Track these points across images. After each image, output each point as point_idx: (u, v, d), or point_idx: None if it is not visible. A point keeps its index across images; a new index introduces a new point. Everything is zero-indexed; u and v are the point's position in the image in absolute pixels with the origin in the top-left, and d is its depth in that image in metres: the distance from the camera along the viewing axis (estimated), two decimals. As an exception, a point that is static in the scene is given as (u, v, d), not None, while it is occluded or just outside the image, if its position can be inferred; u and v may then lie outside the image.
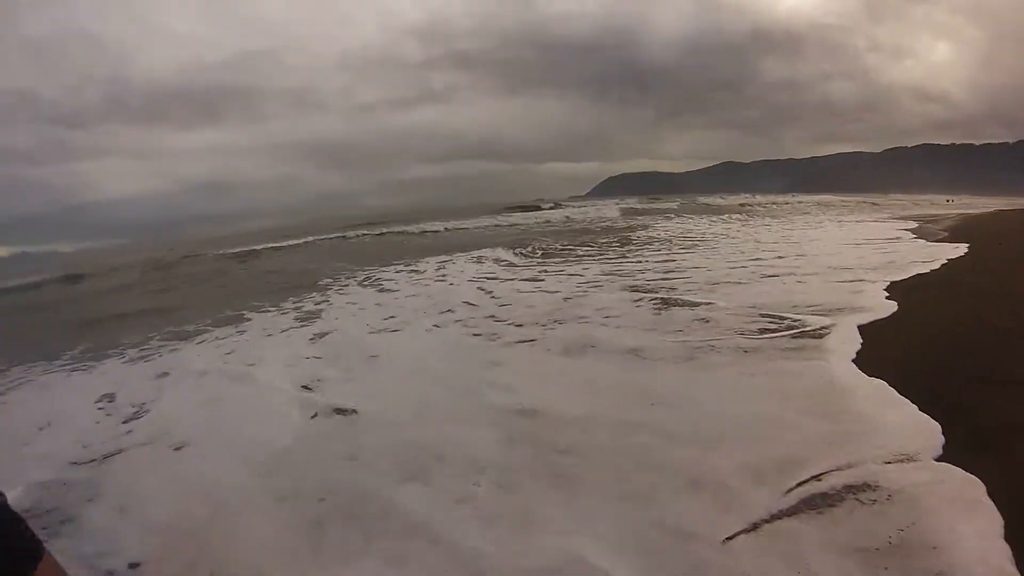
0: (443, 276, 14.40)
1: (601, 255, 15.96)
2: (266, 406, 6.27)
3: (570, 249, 18.20)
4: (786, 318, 7.38)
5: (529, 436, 4.85)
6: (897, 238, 17.00)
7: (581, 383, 6.02)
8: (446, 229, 31.70)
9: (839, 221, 25.78)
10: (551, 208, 46.45)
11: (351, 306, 11.36)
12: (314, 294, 13.21)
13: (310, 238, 32.63)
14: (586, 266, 14.03)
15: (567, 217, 37.79)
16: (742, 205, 40.91)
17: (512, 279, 12.76)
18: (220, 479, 4.50)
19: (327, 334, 9.13)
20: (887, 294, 8.47)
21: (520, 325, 8.47)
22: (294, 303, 12.45)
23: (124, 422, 6.28)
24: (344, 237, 31.29)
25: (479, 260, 16.76)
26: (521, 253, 17.93)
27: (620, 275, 12.13)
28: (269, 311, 11.73)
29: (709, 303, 8.63)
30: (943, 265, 11.07)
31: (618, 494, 3.86)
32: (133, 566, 3.70)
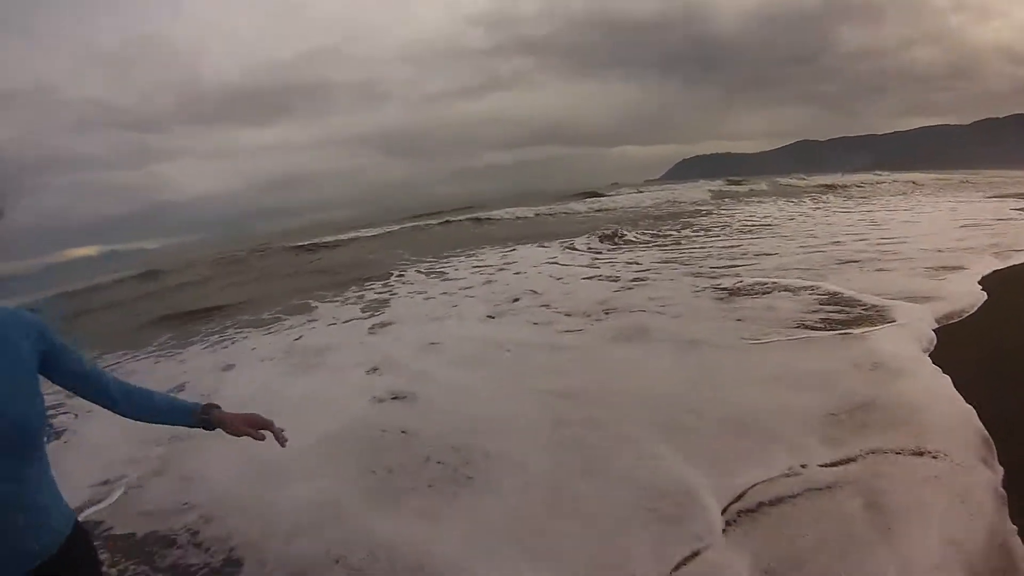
0: (509, 265, 14.32)
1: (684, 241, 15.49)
2: (335, 388, 6.64)
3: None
4: (857, 305, 7.09)
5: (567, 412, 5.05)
6: (1004, 218, 14.69)
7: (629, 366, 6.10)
8: (518, 218, 30.64)
9: (933, 201, 22.94)
10: (635, 192, 44.32)
11: (416, 295, 11.51)
12: (377, 284, 13.44)
13: (377, 230, 32.73)
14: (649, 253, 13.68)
15: (653, 201, 35.18)
16: (828, 186, 37.96)
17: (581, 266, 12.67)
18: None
19: (391, 324, 9.34)
20: (980, 286, 7.61)
21: (569, 315, 8.46)
22: (355, 292, 12.79)
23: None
24: (416, 227, 31.38)
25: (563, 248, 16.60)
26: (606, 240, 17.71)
27: (681, 263, 11.83)
28: (335, 301, 12.07)
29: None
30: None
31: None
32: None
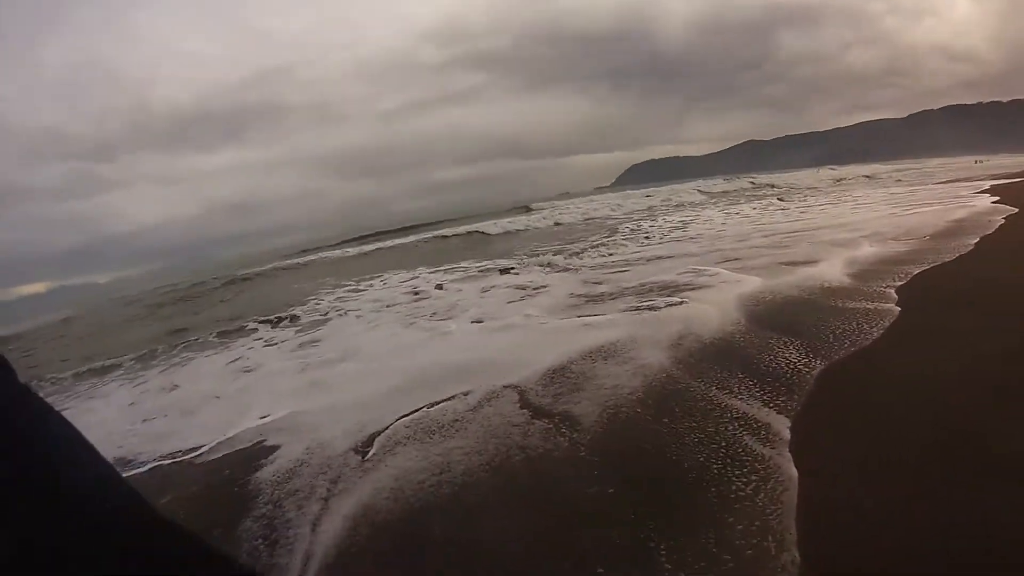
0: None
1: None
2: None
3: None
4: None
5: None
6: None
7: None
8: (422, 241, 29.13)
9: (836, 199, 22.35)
10: (571, 201, 43.53)
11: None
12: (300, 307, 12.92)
13: (311, 257, 32.06)
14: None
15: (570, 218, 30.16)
16: (752, 186, 37.76)
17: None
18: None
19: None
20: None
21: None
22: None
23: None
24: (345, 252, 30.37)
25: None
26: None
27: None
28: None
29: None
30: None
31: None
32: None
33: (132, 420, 6.51)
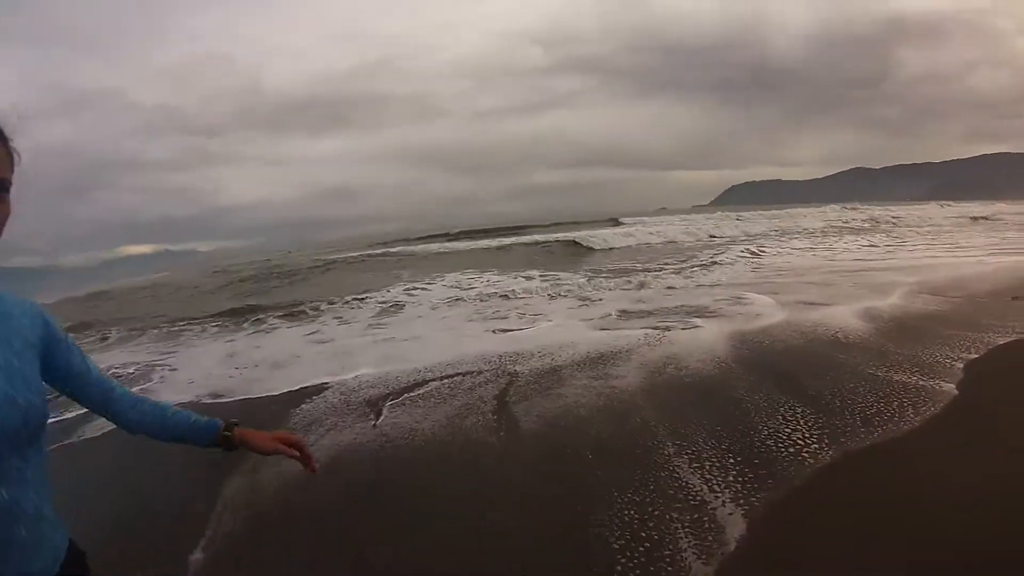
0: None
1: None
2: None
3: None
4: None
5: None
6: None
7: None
8: (498, 248, 28.22)
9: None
10: (667, 219, 42.05)
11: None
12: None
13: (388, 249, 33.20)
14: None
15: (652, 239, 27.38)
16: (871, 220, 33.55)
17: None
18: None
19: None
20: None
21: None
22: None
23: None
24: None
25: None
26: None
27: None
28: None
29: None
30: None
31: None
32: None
33: (229, 367, 7.97)
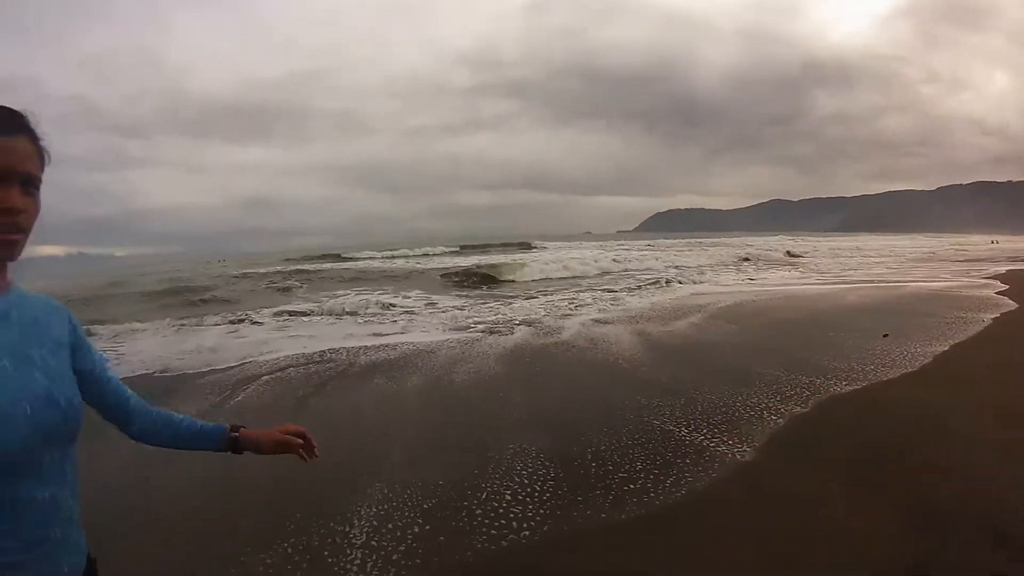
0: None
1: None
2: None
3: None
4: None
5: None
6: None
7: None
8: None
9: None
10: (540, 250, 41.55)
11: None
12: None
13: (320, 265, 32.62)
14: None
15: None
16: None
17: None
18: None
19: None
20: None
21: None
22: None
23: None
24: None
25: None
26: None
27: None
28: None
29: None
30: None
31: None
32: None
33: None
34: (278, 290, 19.93)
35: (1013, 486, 3.46)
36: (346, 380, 6.86)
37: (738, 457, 4.13)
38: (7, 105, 1.08)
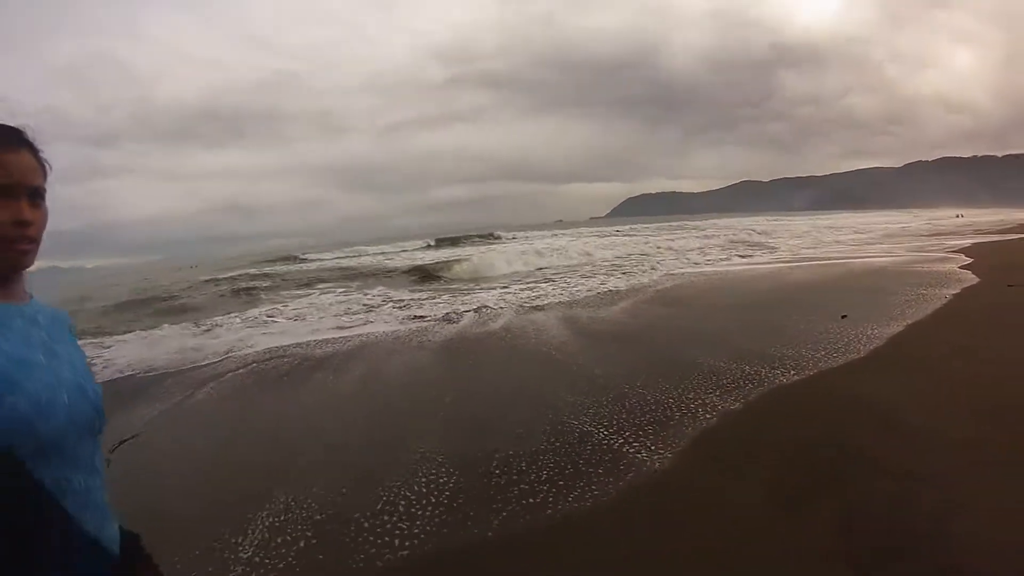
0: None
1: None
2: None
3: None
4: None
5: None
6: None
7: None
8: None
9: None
10: (509, 240, 41.15)
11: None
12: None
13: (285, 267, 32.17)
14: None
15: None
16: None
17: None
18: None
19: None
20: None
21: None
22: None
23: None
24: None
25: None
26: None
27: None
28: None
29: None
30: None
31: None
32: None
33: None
34: (240, 292, 19.34)
35: (970, 503, 2.89)
36: (270, 383, 6.64)
37: (655, 465, 3.69)
38: (4, 123, 1.14)
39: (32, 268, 1.16)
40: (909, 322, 6.87)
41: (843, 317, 7.22)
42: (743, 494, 3.21)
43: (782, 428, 4.08)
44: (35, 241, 1.13)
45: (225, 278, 26.55)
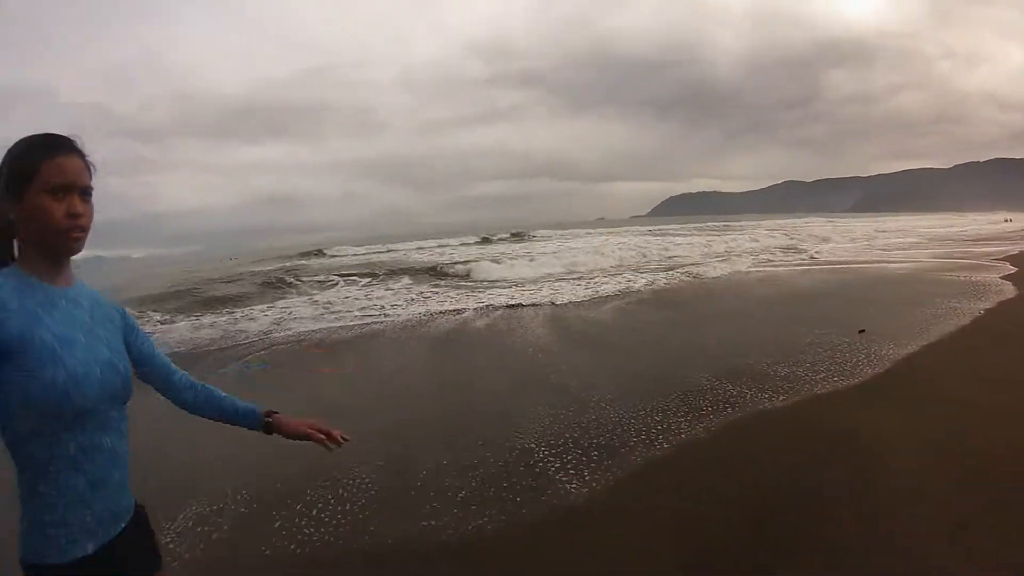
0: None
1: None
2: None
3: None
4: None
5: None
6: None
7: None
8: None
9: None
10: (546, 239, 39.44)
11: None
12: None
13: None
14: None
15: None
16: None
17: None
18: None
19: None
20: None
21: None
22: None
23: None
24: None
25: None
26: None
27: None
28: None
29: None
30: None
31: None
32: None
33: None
34: (272, 284, 19.23)
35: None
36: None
37: (571, 499, 3.30)
38: (57, 132, 1.35)
39: (77, 256, 1.37)
40: (928, 341, 6.18)
41: (861, 332, 6.60)
42: (651, 548, 2.78)
43: (739, 469, 3.53)
44: (85, 230, 1.34)
45: (261, 271, 26.62)
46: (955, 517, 2.80)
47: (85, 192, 1.34)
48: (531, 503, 3.25)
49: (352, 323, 9.97)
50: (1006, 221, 44.68)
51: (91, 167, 1.37)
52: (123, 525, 1.42)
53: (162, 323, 11.35)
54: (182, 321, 11.29)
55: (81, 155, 1.35)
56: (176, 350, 8.23)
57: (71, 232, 1.30)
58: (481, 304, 10.98)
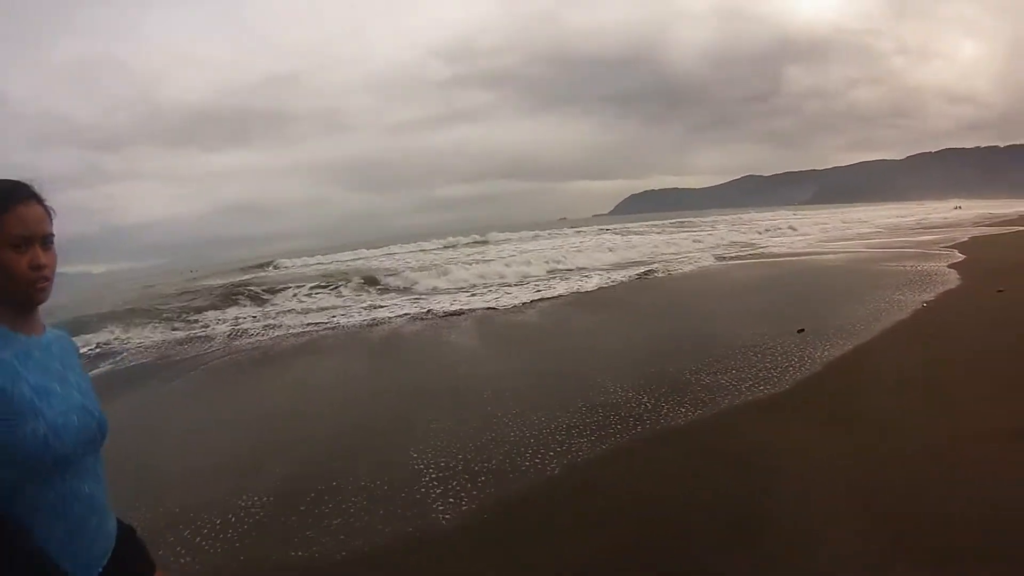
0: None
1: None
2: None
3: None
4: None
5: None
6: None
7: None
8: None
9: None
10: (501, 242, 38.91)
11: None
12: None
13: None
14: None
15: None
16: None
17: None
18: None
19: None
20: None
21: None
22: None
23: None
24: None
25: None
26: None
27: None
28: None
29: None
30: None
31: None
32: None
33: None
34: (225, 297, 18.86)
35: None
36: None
37: (442, 522, 3.05)
38: (11, 178, 1.32)
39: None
40: (862, 341, 5.80)
41: (800, 331, 6.21)
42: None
43: (621, 499, 3.10)
44: (49, 280, 1.33)
45: (219, 285, 25.90)
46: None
47: (47, 240, 1.32)
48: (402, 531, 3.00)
49: (263, 337, 9.56)
50: (956, 208, 45.69)
51: (51, 212, 1.35)
52: (103, 564, 1.37)
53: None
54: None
55: (39, 200, 1.32)
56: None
57: (36, 283, 1.28)
58: (404, 313, 10.62)
